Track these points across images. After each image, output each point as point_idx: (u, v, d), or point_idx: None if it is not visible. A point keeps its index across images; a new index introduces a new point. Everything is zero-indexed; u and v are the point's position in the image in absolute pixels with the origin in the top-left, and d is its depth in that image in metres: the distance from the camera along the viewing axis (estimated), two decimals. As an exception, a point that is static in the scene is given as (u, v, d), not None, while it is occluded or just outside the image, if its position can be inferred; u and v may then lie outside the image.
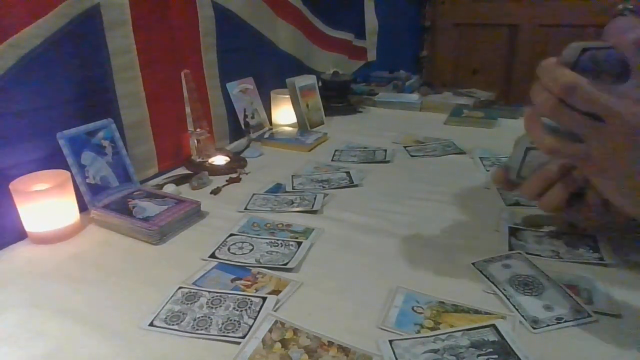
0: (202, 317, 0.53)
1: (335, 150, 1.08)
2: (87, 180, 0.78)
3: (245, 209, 0.80)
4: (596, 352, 0.46)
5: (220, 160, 1.00)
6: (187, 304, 0.55)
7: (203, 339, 0.50)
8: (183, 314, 0.53)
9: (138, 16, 0.85)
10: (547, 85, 0.44)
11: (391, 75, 1.82)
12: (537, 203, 0.57)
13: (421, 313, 0.52)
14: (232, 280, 0.60)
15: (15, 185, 0.68)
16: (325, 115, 1.32)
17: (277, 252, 0.66)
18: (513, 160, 0.60)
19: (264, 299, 0.55)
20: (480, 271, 0.59)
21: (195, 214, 0.78)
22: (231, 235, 0.71)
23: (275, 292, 0.57)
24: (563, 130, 0.46)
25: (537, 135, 0.47)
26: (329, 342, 0.48)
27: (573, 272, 0.58)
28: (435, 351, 0.46)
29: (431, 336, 0.48)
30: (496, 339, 0.47)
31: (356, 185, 0.88)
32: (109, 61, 0.83)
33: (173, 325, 0.52)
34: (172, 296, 0.56)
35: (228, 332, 0.50)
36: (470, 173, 0.93)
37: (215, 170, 0.96)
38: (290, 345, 0.48)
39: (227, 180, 0.93)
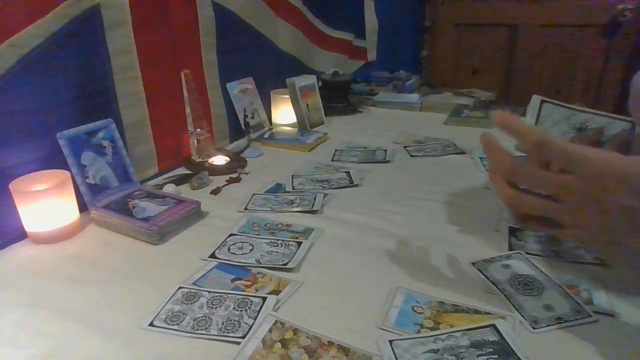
0: (202, 317, 0.53)
1: (335, 150, 1.08)
2: (87, 180, 0.78)
3: (245, 209, 0.80)
4: (596, 352, 0.46)
5: (220, 160, 1.00)
6: (187, 304, 0.55)
7: (203, 339, 0.50)
8: (183, 314, 0.53)
9: (138, 16, 0.85)
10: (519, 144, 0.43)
11: (391, 75, 1.82)
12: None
13: (421, 313, 0.52)
14: (232, 280, 0.60)
15: (15, 185, 0.68)
16: (325, 115, 1.32)
17: (277, 252, 0.66)
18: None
19: (264, 299, 0.55)
20: (480, 271, 0.59)
21: (195, 214, 0.78)
22: (231, 235, 0.71)
23: (275, 292, 0.57)
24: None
25: (501, 187, 0.46)
26: (329, 342, 0.48)
27: (573, 272, 0.58)
28: (435, 351, 0.46)
29: (431, 336, 0.48)
30: (496, 339, 0.47)
31: (356, 185, 0.88)
32: (109, 61, 0.83)
33: (173, 325, 0.52)
34: (172, 296, 0.56)
35: (228, 332, 0.50)
36: (470, 173, 0.93)
37: (215, 170, 0.96)
38: (290, 345, 0.48)
39: (227, 180, 0.93)
